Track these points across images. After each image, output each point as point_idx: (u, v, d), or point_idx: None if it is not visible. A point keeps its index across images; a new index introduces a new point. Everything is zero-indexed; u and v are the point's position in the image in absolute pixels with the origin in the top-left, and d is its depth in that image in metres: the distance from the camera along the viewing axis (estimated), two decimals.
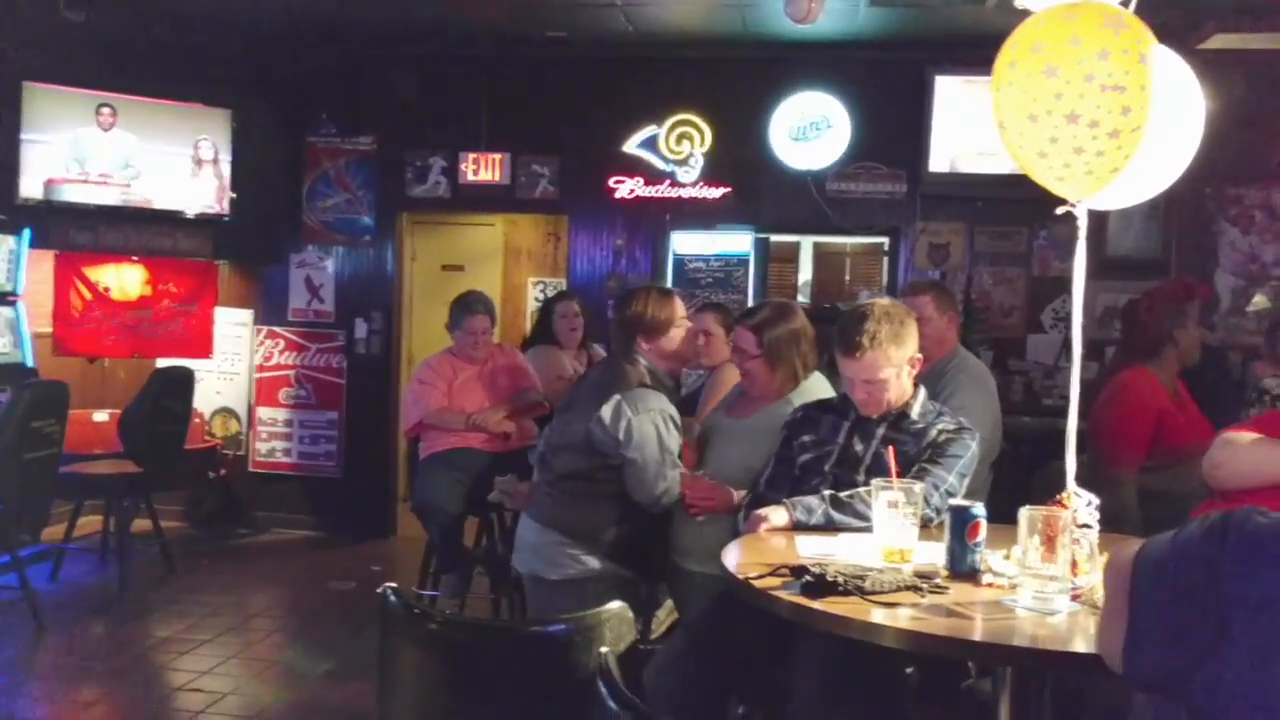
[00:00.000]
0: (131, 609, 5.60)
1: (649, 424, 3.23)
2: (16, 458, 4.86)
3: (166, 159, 6.80)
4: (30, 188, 6.37)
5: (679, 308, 3.45)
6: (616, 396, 3.26)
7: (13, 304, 6.17)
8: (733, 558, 2.42)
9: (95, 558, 6.32)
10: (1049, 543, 2.09)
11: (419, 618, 1.95)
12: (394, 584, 2.00)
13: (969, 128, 6.42)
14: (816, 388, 3.25)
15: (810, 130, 6.84)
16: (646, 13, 6.25)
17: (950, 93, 6.57)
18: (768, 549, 2.51)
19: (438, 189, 7.30)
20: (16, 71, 6.35)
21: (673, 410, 3.34)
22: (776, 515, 2.68)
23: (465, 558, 4.98)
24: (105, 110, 6.60)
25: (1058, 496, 2.32)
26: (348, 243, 7.44)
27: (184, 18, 6.64)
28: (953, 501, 2.43)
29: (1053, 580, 2.08)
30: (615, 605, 1.96)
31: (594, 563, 3.25)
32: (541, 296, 8.04)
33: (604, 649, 1.87)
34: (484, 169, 7.18)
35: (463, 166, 7.21)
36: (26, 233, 6.22)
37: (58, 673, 4.79)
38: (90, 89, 6.61)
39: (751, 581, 2.19)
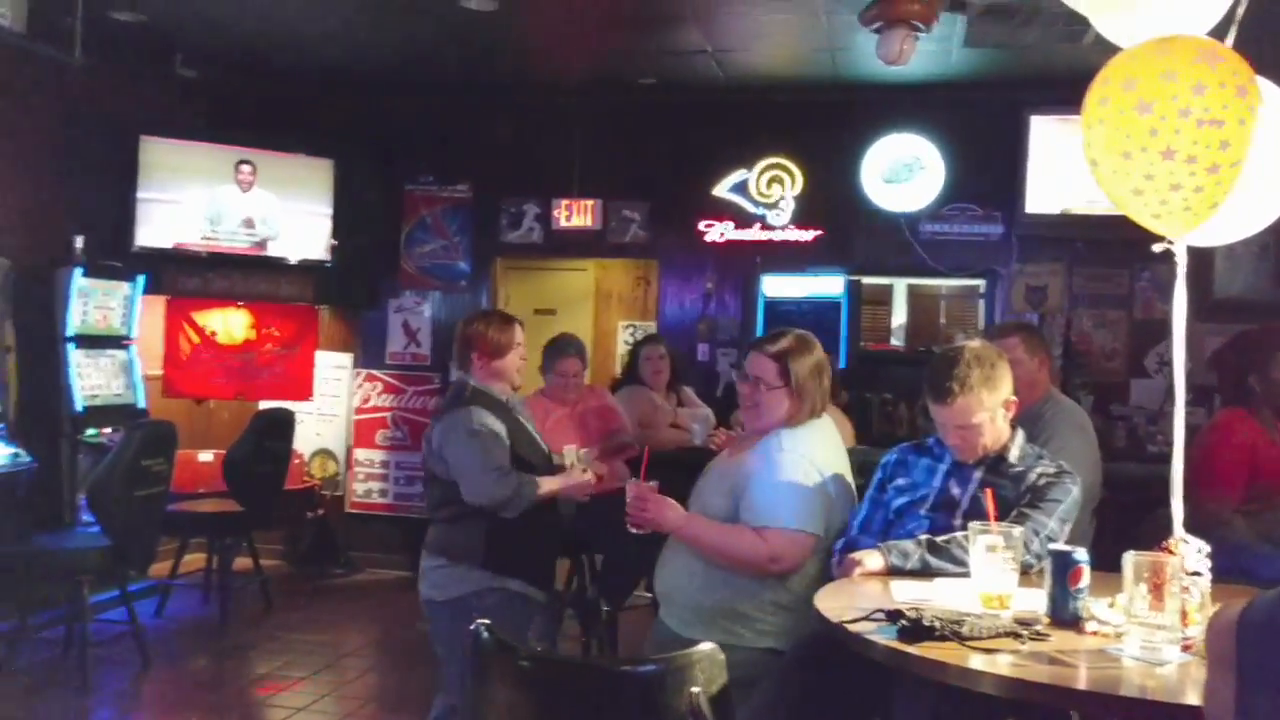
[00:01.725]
0: (232, 644, 5.74)
1: (464, 436, 3.42)
2: (127, 495, 5.03)
3: (273, 208, 7.05)
4: (146, 237, 6.65)
5: (517, 334, 3.67)
6: (440, 420, 3.54)
7: (126, 347, 6.42)
8: (826, 601, 2.39)
9: (199, 594, 6.50)
10: (1156, 590, 2.02)
11: (511, 656, 1.96)
12: (486, 621, 2.02)
13: (1067, 167, 6.31)
14: (820, 428, 2.98)
15: (903, 172, 6.80)
16: (737, 58, 6.30)
17: (1047, 132, 6.48)
18: (862, 593, 2.47)
19: (531, 234, 7.42)
20: (133, 126, 6.66)
21: (492, 423, 3.45)
22: (871, 559, 2.64)
23: (556, 599, 4.99)
24: (245, 169, 6.88)
25: (1164, 543, 2.24)
26: (444, 288, 7.59)
27: (288, 72, 6.91)
28: (1054, 546, 2.36)
29: (1161, 629, 2.01)
30: (706, 647, 1.94)
31: (474, 580, 3.40)
32: (631, 340, 8.08)
33: (695, 689, 1.85)
34: (576, 214, 7.29)
35: (555, 212, 7.33)
36: (141, 279, 6.48)
37: (162, 704, 4.92)
38: (199, 143, 6.90)
39: (846, 625, 2.15)
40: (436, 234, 7.59)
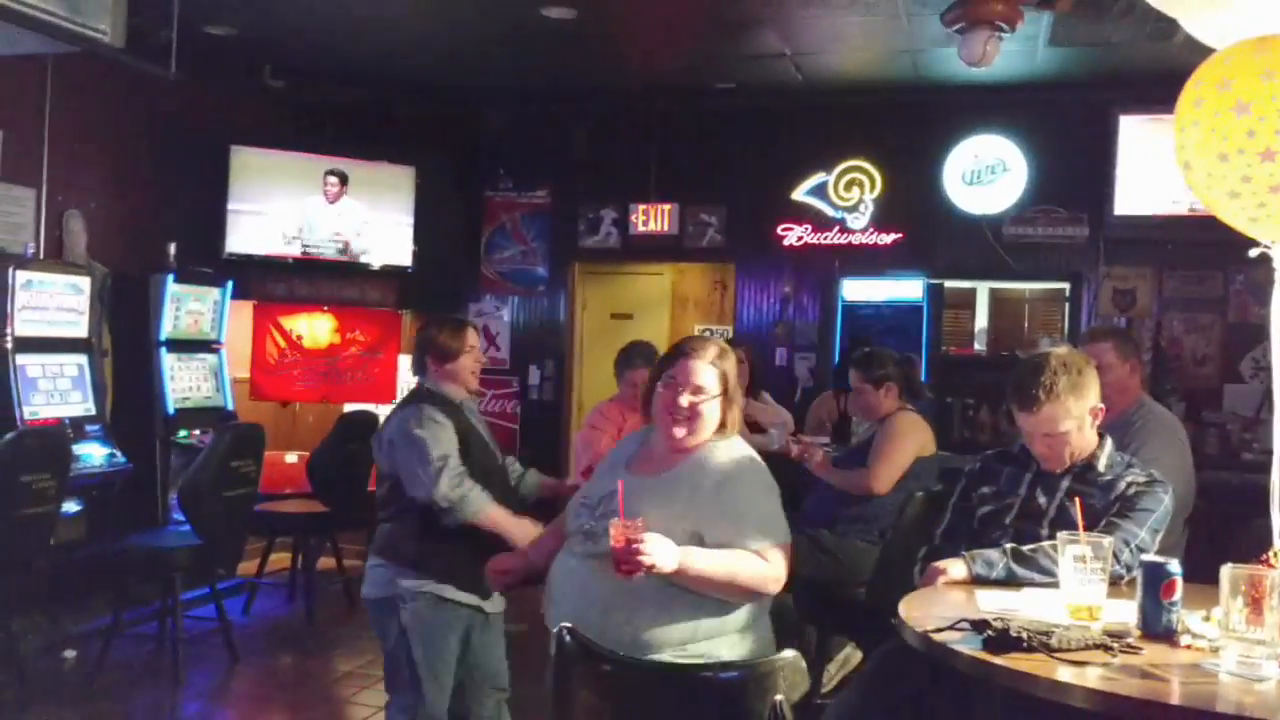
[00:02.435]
0: (317, 643, 5.85)
1: (411, 430, 3.36)
2: (216, 496, 5.16)
3: (357, 215, 7.19)
4: (235, 244, 6.83)
5: (470, 338, 3.64)
6: (391, 416, 3.53)
7: (216, 351, 6.60)
8: (910, 610, 2.36)
9: (284, 592, 6.64)
10: (1254, 604, 1.96)
11: (593, 659, 1.97)
12: (569, 625, 2.03)
13: (1156, 168, 6.16)
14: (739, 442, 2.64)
15: (985, 174, 6.70)
16: (816, 61, 6.26)
17: (1136, 132, 6.33)
18: (946, 602, 2.43)
19: (608, 240, 7.47)
20: (224, 136, 6.85)
21: (441, 419, 3.38)
22: (955, 568, 2.60)
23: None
24: (332, 180, 7.04)
25: (1264, 555, 2.17)
26: (522, 293, 7.67)
27: (371, 81, 7.04)
28: (1145, 558, 2.31)
29: (1260, 645, 1.95)
30: (789, 654, 1.94)
31: (405, 581, 3.33)
32: None
33: (778, 697, 1.85)
34: (653, 219, 7.31)
35: (632, 217, 7.36)
36: (230, 285, 6.66)
37: (249, 700, 5.05)
38: (287, 152, 7.07)
39: (930, 634, 2.13)
40: (515, 239, 7.68)
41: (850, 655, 4.00)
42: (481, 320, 7.75)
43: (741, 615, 2.41)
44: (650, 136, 7.30)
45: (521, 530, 3.34)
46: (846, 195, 6.96)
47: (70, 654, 5.21)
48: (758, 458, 2.58)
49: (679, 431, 2.49)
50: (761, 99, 6.96)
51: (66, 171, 6.07)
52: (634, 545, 2.21)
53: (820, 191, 7.01)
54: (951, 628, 2.13)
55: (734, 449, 2.56)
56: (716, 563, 2.34)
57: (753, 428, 5.51)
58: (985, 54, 4.87)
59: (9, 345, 5.31)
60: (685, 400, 2.49)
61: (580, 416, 7.53)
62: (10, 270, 5.32)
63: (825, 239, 6.98)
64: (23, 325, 5.38)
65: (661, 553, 2.24)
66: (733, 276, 7.53)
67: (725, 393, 2.54)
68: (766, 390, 6.01)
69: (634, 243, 7.41)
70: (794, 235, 7.01)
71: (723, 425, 2.55)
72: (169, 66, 4.67)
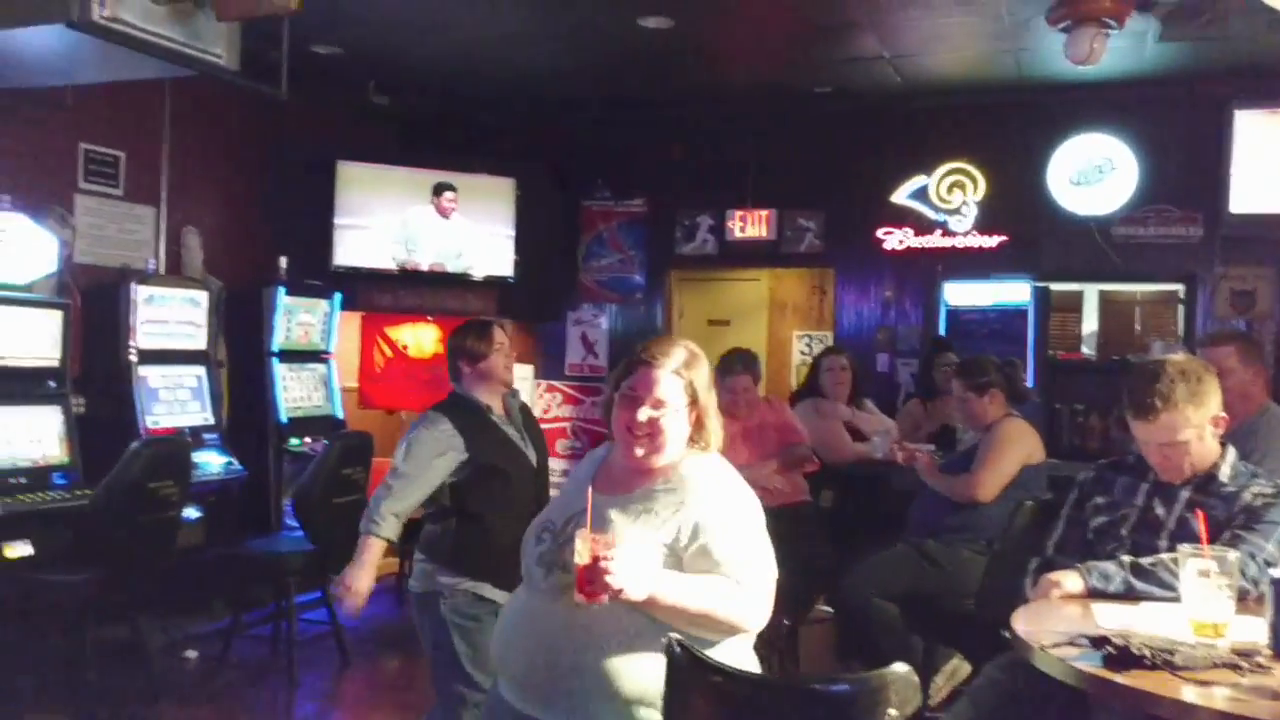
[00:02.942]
0: (423, 646, 5.97)
1: (409, 434, 3.50)
2: (328, 502, 5.31)
3: (458, 226, 7.33)
4: (342, 256, 7.02)
5: (497, 337, 3.70)
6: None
7: (325, 361, 6.79)
8: (1023, 624, 2.31)
9: (393, 597, 6.79)
10: None
11: (704, 670, 1.98)
12: (677, 636, 2.04)
13: (1276, 164, 5.93)
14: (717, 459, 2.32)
15: (1093, 173, 6.53)
16: (915, 63, 6.19)
17: (1253, 127, 6.10)
18: (1060, 616, 2.38)
19: (705, 246, 7.48)
20: (330, 152, 7.05)
21: (438, 434, 3.45)
22: (1070, 581, 2.54)
23: None
24: (448, 195, 7.19)
25: None
26: (620, 300, 7.73)
27: (471, 94, 7.17)
28: (1274, 573, 2.23)
29: None
30: (902, 668, 1.92)
31: (445, 578, 3.38)
32: (807, 350, 8.04)
33: (892, 712, 1.83)
34: (750, 225, 7.30)
35: (729, 223, 7.36)
36: (338, 297, 6.84)
37: (360, 702, 5.18)
38: (390, 166, 7.24)
39: (1047, 650, 2.08)
40: (612, 248, 7.74)
41: (958, 667, 3.94)
42: (579, 328, 7.84)
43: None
44: (747, 142, 7.29)
45: (358, 574, 3.41)
46: (948, 198, 6.85)
47: (192, 654, 5.41)
48: (740, 477, 2.30)
49: (638, 450, 2.18)
50: (859, 102, 6.90)
51: (183, 190, 6.32)
52: (602, 563, 1.92)
53: (921, 194, 6.92)
54: (1070, 643, 2.09)
55: (713, 466, 2.26)
56: (694, 591, 2.05)
57: (855, 435, 5.47)
58: (1092, 52, 4.76)
59: (133, 357, 5.55)
60: (644, 415, 2.17)
61: None
62: (133, 285, 5.56)
63: (927, 242, 6.88)
64: (145, 338, 5.61)
65: (632, 575, 1.94)
66: (832, 281, 7.47)
67: (694, 403, 2.22)
68: (869, 397, 5.95)
69: (731, 249, 7.41)
70: (895, 239, 6.93)
71: (694, 440, 2.24)
72: (280, 87, 4.81)
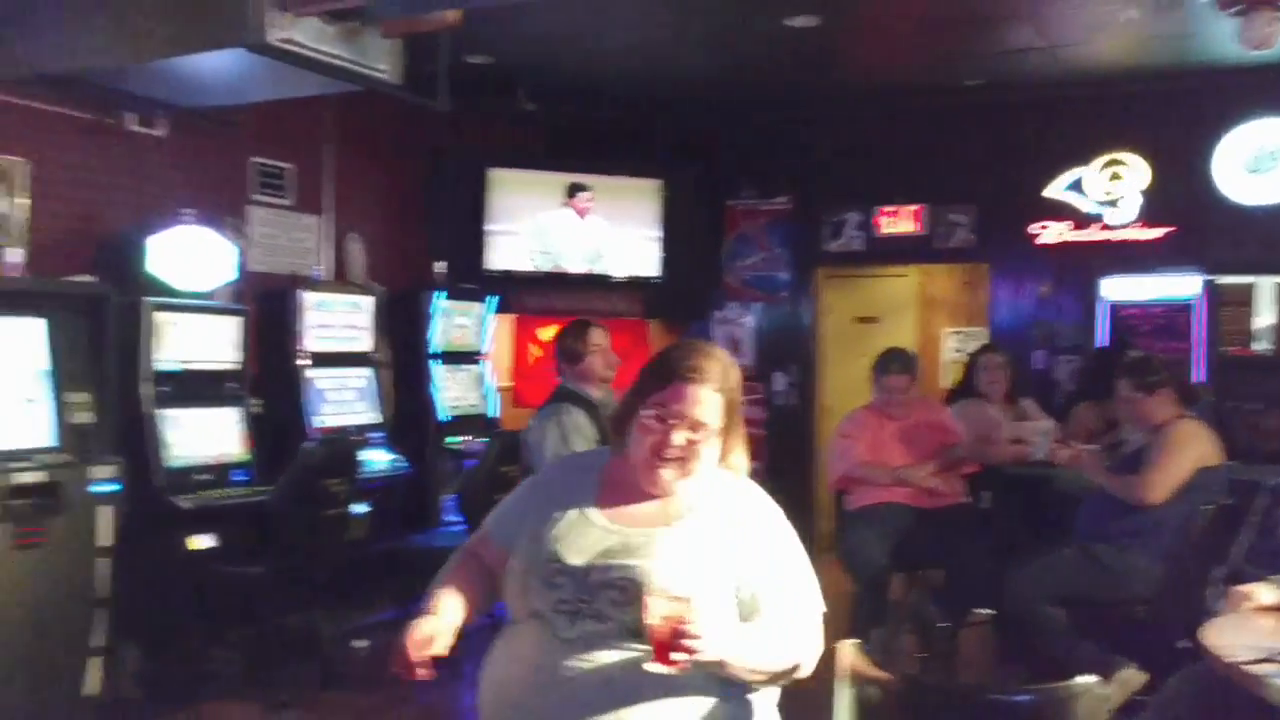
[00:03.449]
0: None
1: (547, 427, 3.67)
2: (488, 499, 5.45)
3: (606, 229, 7.45)
4: (494, 260, 7.22)
5: (593, 338, 3.87)
6: (535, 417, 3.83)
7: (480, 361, 6.99)
8: (1215, 638, 2.24)
9: None
10: None
11: (879, 675, 1.99)
12: (855, 640, 2.06)
13: None
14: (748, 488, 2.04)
15: (1266, 160, 6.22)
16: (1073, 52, 6.00)
17: None
18: (1253, 629, 2.29)
19: (852, 243, 7.41)
20: (482, 159, 7.25)
21: (577, 418, 3.68)
22: (1265, 593, 2.44)
23: (892, 614, 4.95)
24: (582, 196, 7.33)
25: None
26: (766, 299, 7.72)
27: (617, 97, 7.27)
28: None
29: None
30: (1088, 680, 1.89)
31: None
32: (959, 347, 7.87)
33: None
34: (900, 221, 7.20)
35: (877, 220, 7.27)
36: (491, 299, 7.04)
37: None
38: (539, 171, 7.40)
39: (1242, 666, 2.02)
40: (758, 246, 7.73)
41: (1130, 677, 3.81)
42: (725, 327, 7.85)
43: (761, 705, 1.91)
44: (895, 138, 7.18)
45: None
46: (1107, 189, 6.61)
47: (361, 644, 5.64)
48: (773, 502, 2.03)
49: (667, 475, 1.92)
50: (1013, 94, 6.71)
51: (346, 199, 6.59)
52: (683, 630, 1.66)
53: (1078, 186, 6.70)
54: (1269, 659, 2.01)
55: (753, 491, 2.01)
56: (764, 645, 1.84)
57: (1015, 438, 5.34)
58: (1267, 36, 4.53)
59: (302, 360, 5.82)
60: (681, 439, 1.90)
61: (826, 423, 7.49)
62: (301, 292, 5.83)
63: (1084, 236, 6.66)
64: (313, 342, 5.88)
65: (715, 639, 1.70)
66: (984, 277, 7.31)
67: (729, 420, 1.96)
68: (1026, 396, 5.80)
69: (879, 245, 7.32)
70: (1051, 233, 6.73)
71: (724, 456, 1.99)
72: (438, 98, 4.99)
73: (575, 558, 1.89)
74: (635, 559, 1.85)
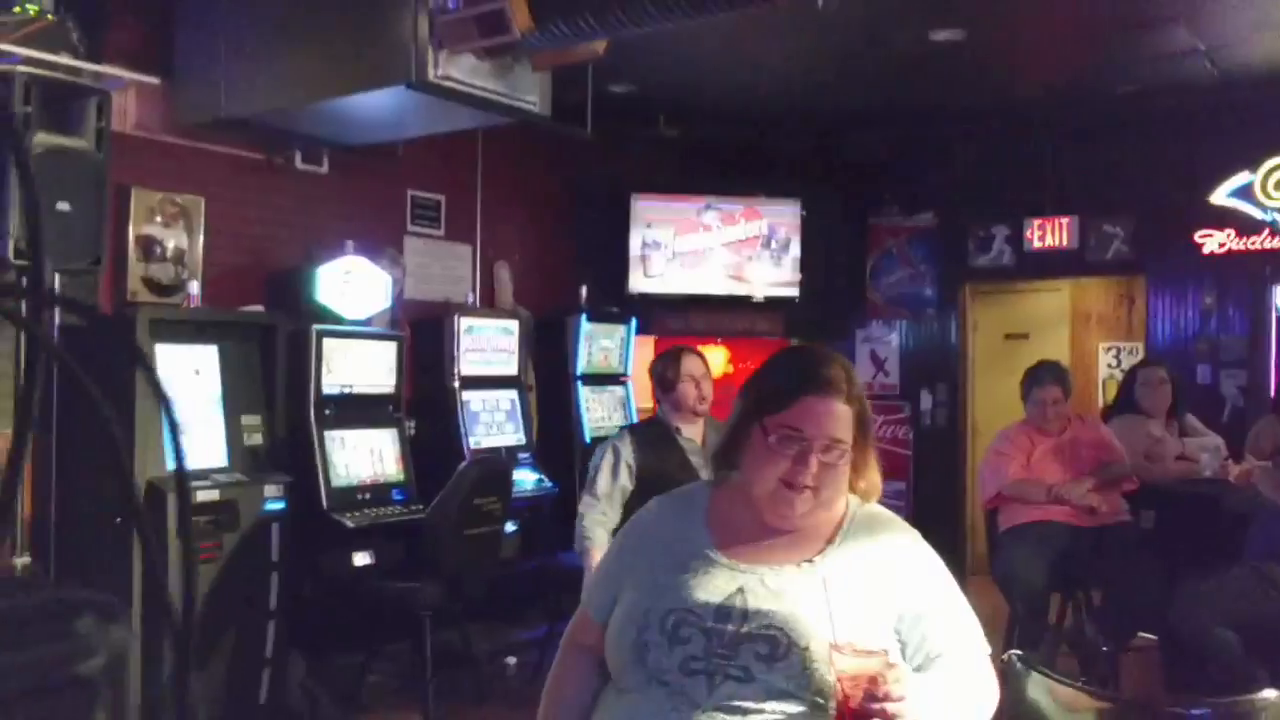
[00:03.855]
0: None
1: (603, 453, 3.74)
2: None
3: (745, 250, 7.48)
4: (636, 283, 7.33)
5: (686, 366, 3.75)
6: None
7: (623, 383, 7.10)
8: None
9: None
10: None
11: (1049, 687, 1.95)
12: (1018, 651, 2.03)
13: None
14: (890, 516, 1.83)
15: None
16: (1234, 54, 5.75)
17: None
18: None
19: (1001, 257, 7.25)
20: (625, 185, 7.39)
21: (623, 452, 3.70)
22: None
23: (1049, 634, 4.81)
24: (718, 216, 7.41)
25: None
26: (911, 316, 7.61)
27: (756, 119, 7.31)
28: None
29: None
30: (1272, 694, 1.81)
31: None
32: (1114, 362, 7.61)
33: None
34: (1050, 234, 7.01)
35: (1027, 233, 7.10)
36: (634, 322, 7.14)
37: None
38: (679, 196, 7.49)
39: None
40: (902, 263, 7.64)
41: None
42: (869, 345, 7.77)
43: None
44: (1044, 149, 7.01)
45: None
46: (1277, 195, 6.30)
47: (512, 660, 5.78)
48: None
49: (801, 508, 1.65)
50: (1169, 99, 6.47)
51: (494, 227, 6.81)
52: (878, 691, 1.43)
53: (1245, 193, 6.40)
54: None
55: (896, 520, 1.79)
56: (956, 700, 1.63)
57: (1180, 455, 5.13)
58: None
59: (456, 383, 6.03)
60: (815, 462, 1.64)
61: (976, 442, 7.33)
62: (455, 317, 6.04)
63: (1252, 244, 6.35)
64: (466, 365, 6.08)
65: (916, 702, 1.48)
66: (1141, 289, 7.05)
67: (861, 436, 1.71)
68: (1190, 412, 5.56)
69: (1029, 259, 7.14)
70: (1214, 242, 6.45)
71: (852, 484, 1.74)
72: (584, 127, 5.12)
73: (704, 606, 1.61)
74: (777, 605, 1.59)
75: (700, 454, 3.76)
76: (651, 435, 3.81)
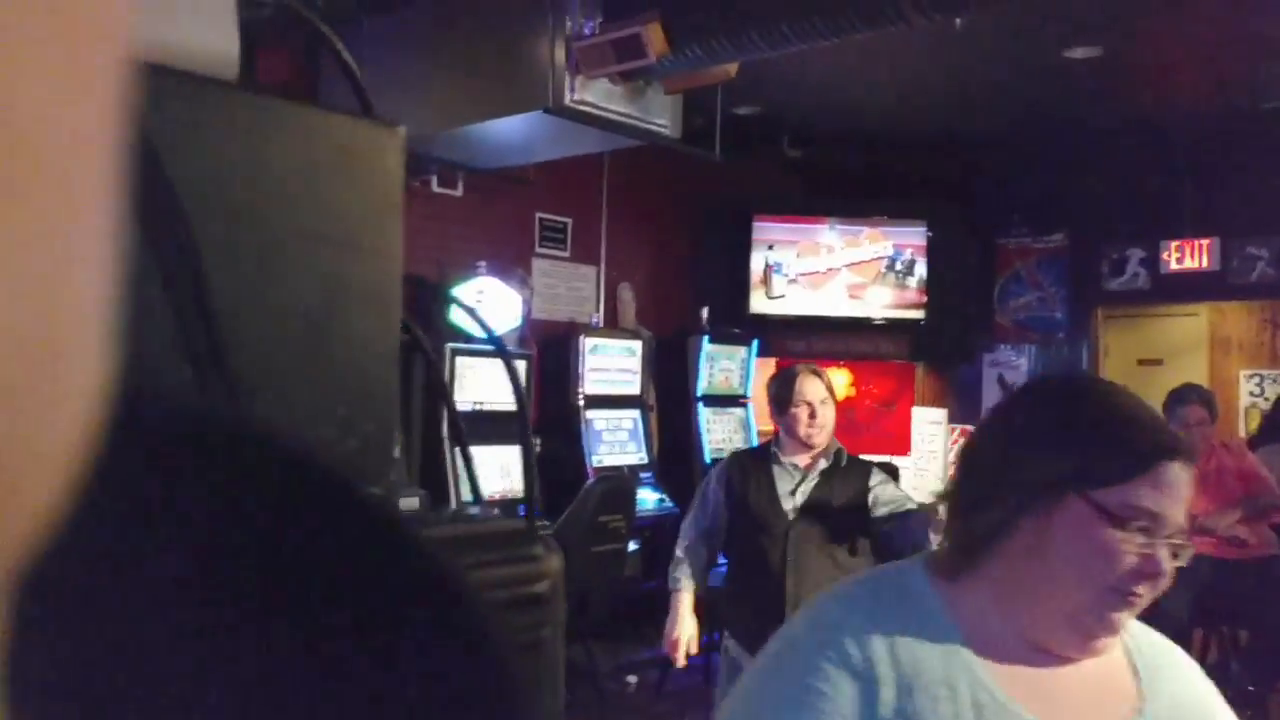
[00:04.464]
0: None
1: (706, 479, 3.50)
2: None
3: (871, 272, 7.42)
4: (757, 304, 7.34)
5: (801, 388, 3.26)
6: None
7: (744, 405, 7.10)
8: None
9: None
10: None
11: None
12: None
13: None
14: None
15: None
16: None
17: None
18: None
19: (1135, 280, 7.05)
20: (747, 207, 7.41)
21: (714, 484, 3.39)
22: None
23: None
24: (843, 237, 7.39)
25: None
26: (1039, 340, 7.45)
27: (882, 141, 7.26)
28: None
29: None
30: None
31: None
32: (1257, 390, 7.29)
33: None
34: (1189, 256, 6.79)
35: (1164, 255, 6.89)
36: (755, 344, 7.15)
37: None
38: (801, 217, 7.49)
39: None
40: (1031, 285, 7.48)
41: None
42: (996, 370, 7.62)
43: None
44: (1182, 168, 6.80)
45: (672, 631, 3.44)
46: None
47: (632, 679, 5.81)
48: None
49: (1121, 618, 1.10)
50: None
51: (618, 249, 6.90)
52: None
53: None
54: None
55: (1156, 635, 1.30)
56: None
57: None
58: None
59: (580, 402, 6.12)
60: (1167, 558, 1.08)
61: None
62: (580, 338, 6.14)
63: None
64: (590, 385, 6.17)
65: None
66: None
67: None
68: None
69: (1166, 282, 6.93)
70: None
71: None
72: (714, 149, 5.17)
73: None
74: None
75: (801, 487, 3.30)
76: (751, 462, 3.46)
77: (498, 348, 1.48)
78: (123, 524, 0.23)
